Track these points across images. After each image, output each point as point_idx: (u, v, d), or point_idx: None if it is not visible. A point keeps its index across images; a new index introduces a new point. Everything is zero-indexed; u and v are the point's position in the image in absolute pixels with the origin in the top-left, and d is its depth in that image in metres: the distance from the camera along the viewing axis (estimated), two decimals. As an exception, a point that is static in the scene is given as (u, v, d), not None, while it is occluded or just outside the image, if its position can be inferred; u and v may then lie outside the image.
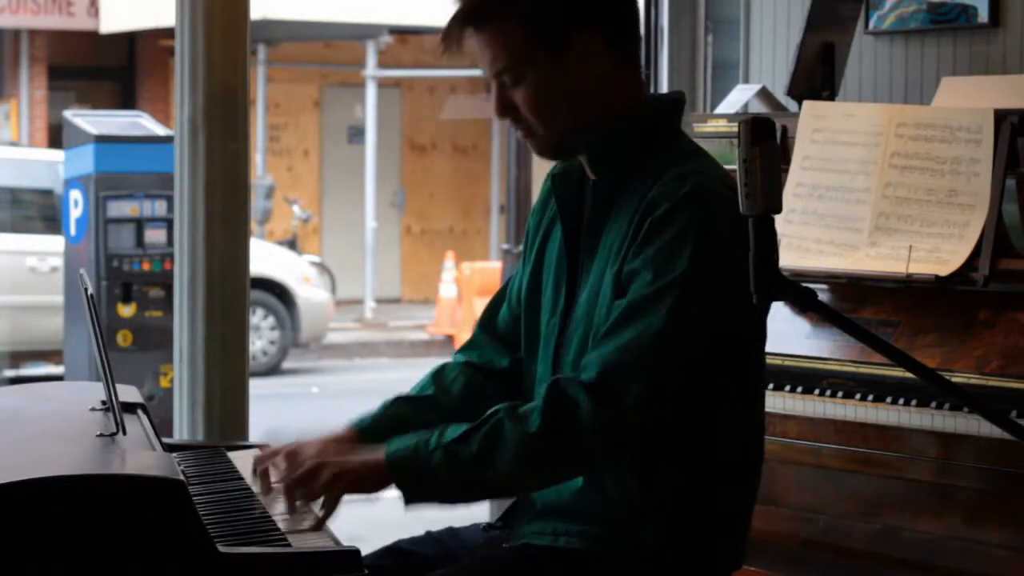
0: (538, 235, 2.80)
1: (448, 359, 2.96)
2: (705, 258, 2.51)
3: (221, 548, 2.26)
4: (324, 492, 2.54)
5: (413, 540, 2.78)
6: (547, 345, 2.71)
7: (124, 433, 2.58)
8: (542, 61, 2.61)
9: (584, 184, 2.72)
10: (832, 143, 3.87)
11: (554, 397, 2.53)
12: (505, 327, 2.90)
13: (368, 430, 2.79)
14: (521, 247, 2.90)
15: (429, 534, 2.81)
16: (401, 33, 18.69)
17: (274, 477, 2.64)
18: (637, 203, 2.58)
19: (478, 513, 4.07)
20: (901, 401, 3.47)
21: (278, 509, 2.57)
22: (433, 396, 2.86)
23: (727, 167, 3.82)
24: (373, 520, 6.38)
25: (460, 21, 2.64)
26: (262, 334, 13.71)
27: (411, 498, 2.57)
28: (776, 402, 3.65)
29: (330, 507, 2.53)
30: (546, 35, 2.60)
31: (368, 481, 2.56)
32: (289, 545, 2.37)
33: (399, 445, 2.57)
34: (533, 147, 2.71)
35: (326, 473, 2.55)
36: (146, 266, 7.87)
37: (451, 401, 2.85)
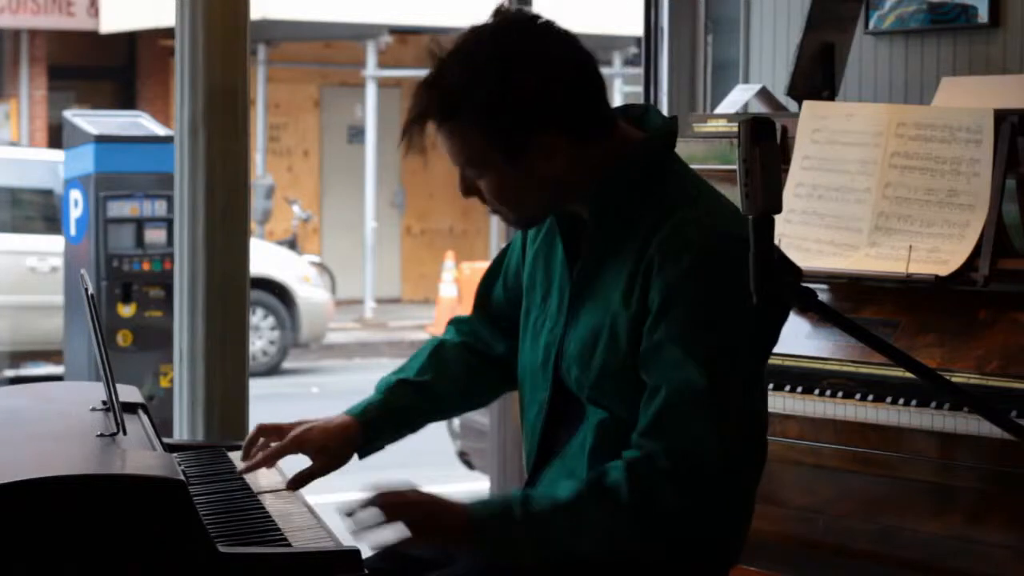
0: (539, 233, 2.78)
1: (445, 338, 2.97)
2: (731, 319, 2.50)
3: (221, 548, 2.26)
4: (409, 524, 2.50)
5: None
6: (548, 356, 2.70)
7: (124, 433, 2.58)
8: (499, 161, 2.56)
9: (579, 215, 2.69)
10: (832, 143, 3.87)
11: (638, 483, 2.49)
12: (499, 307, 2.91)
13: (370, 421, 2.82)
14: (517, 239, 2.88)
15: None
16: (401, 33, 18.68)
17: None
18: (638, 250, 2.55)
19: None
20: (901, 401, 3.47)
21: (274, 506, 2.57)
22: (431, 382, 2.88)
23: (727, 167, 3.83)
24: (373, 520, 6.37)
25: (418, 117, 2.58)
26: (262, 334, 13.71)
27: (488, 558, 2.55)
28: (776, 402, 3.65)
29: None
30: (502, 140, 2.54)
31: (448, 542, 2.54)
32: (289, 545, 2.37)
33: (480, 516, 2.52)
34: (504, 222, 2.72)
35: (417, 513, 2.52)
36: (146, 266, 7.87)
37: (449, 387, 2.89)
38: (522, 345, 2.78)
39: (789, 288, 2.26)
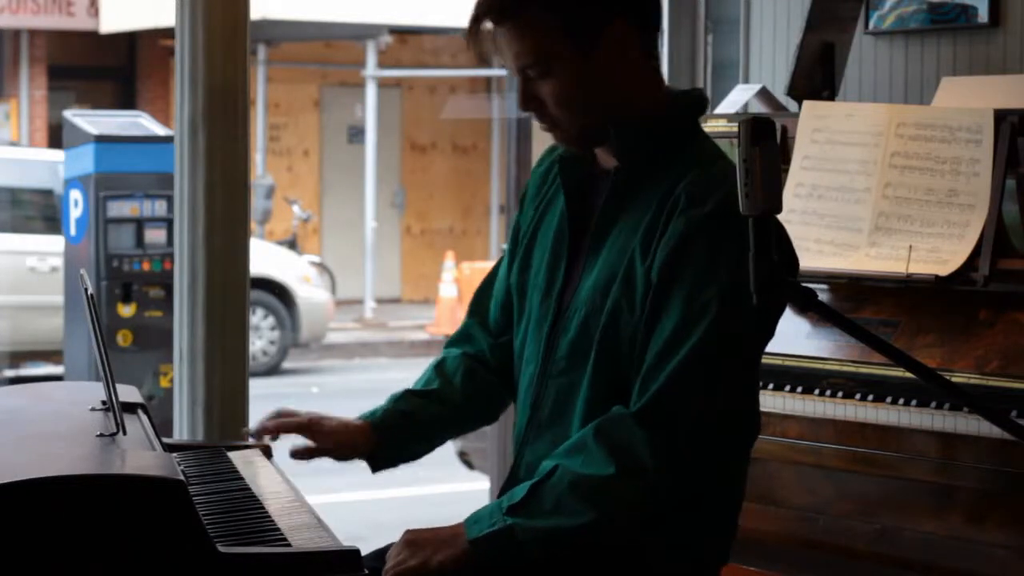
0: (533, 220, 2.78)
1: (445, 353, 2.96)
2: (740, 273, 2.49)
3: (221, 548, 2.26)
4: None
5: None
6: (539, 327, 2.70)
7: (124, 433, 2.58)
8: (572, 54, 2.56)
9: (593, 170, 2.70)
10: (832, 143, 3.87)
11: (607, 439, 2.50)
12: (494, 320, 2.90)
13: (379, 423, 2.81)
14: (510, 237, 2.87)
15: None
16: (401, 33, 18.70)
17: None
18: (661, 197, 2.56)
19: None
20: (901, 401, 3.47)
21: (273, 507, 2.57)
22: (439, 389, 2.87)
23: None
24: (373, 520, 6.37)
25: (486, 13, 2.59)
26: (262, 334, 13.71)
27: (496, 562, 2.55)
28: (776, 402, 3.65)
29: None
30: (577, 27, 2.56)
31: (456, 562, 2.54)
32: (289, 545, 2.37)
33: (476, 526, 2.55)
34: (556, 138, 2.68)
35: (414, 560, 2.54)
36: (146, 266, 7.87)
37: (456, 393, 2.87)
38: (517, 330, 2.77)
39: (789, 288, 2.26)
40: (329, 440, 2.81)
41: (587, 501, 2.50)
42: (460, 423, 2.95)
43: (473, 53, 2.63)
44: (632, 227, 2.59)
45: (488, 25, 2.59)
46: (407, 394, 2.87)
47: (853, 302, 3.70)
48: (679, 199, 2.54)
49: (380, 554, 2.71)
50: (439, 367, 2.91)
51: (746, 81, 4.81)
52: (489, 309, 2.92)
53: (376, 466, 2.86)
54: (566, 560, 2.57)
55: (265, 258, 13.61)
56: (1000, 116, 3.59)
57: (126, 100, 20.14)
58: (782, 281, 2.24)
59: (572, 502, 2.50)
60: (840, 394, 3.58)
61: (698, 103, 2.71)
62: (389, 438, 2.83)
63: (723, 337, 2.51)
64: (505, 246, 2.94)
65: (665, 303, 2.53)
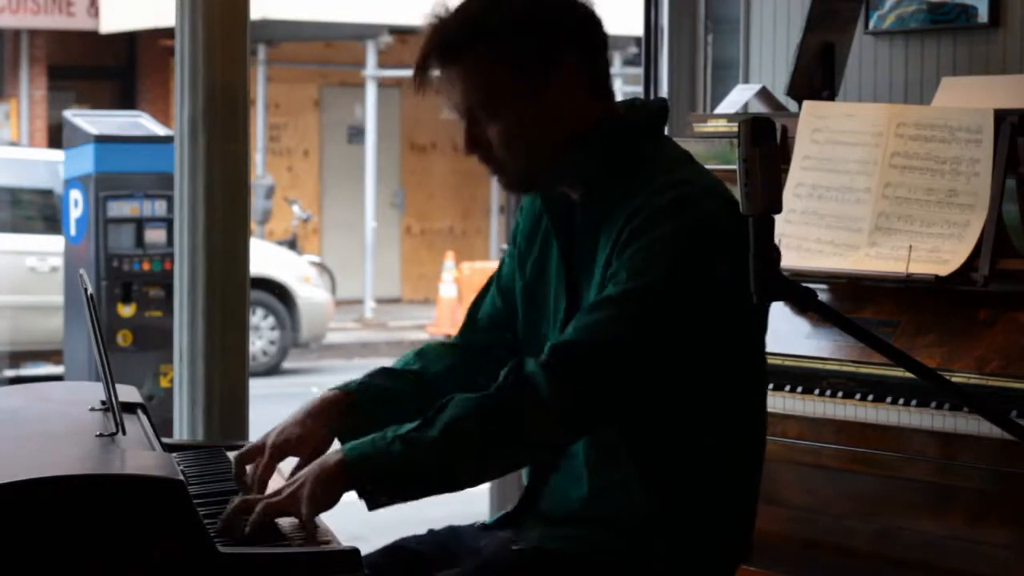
0: (536, 240, 2.73)
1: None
2: (680, 269, 2.46)
3: (221, 548, 2.26)
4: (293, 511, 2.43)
5: (416, 538, 2.76)
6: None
7: (124, 433, 2.58)
8: (520, 92, 2.51)
9: (571, 201, 2.66)
10: (832, 143, 3.87)
11: (511, 376, 2.46)
12: (487, 319, 2.85)
13: (355, 392, 2.72)
14: (511, 246, 2.83)
15: (431, 532, 2.79)
16: (401, 33, 18.68)
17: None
18: (624, 219, 2.52)
19: (478, 512, 4.07)
20: (901, 401, 3.47)
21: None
22: (419, 370, 2.81)
23: (727, 167, 3.83)
24: (373, 520, 6.39)
25: (429, 57, 2.54)
26: (262, 334, 13.71)
27: (373, 498, 2.47)
28: (776, 402, 3.65)
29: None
30: (524, 63, 2.50)
31: (329, 486, 2.44)
32: (289, 545, 2.37)
33: (354, 444, 2.47)
34: (502, 183, 2.62)
35: (292, 501, 2.44)
36: (146, 266, 7.87)
37: (435, 376, 2.80)
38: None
39: (789, 287, 2.26)
40: (306, 449, 2.67)
41: (483, 425, 2.44)
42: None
43: (420, 89, 2.56)
44: (602, 254, 2.55)
45: (434, 67, 2.53)
46: (383, 371, 2.79)
47: (853, 302, 3.70)
48: (632, 218, 2.49)
49: (383, 551, 2.70)
50: (420, 352, 2.85)
51: (746, 81, 4.81)
52: (479, 316, 2.86)
53: (344, 438, 2.68)
54: (587, 567, 2.56)
55: (265, 258, 13.61)
56: (1000, 116, 3.59)
57: (126, 100, 20.14)
58: (781, 280, 2.24)
59: (465, 424, 2.43)
60: (840, 394, 3.58)
61: (654, 114, 2.64)
62: (361, 400, 2.71)
63: (635, 330, 2.45)
64: (505, 245, 2.90)
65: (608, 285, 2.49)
